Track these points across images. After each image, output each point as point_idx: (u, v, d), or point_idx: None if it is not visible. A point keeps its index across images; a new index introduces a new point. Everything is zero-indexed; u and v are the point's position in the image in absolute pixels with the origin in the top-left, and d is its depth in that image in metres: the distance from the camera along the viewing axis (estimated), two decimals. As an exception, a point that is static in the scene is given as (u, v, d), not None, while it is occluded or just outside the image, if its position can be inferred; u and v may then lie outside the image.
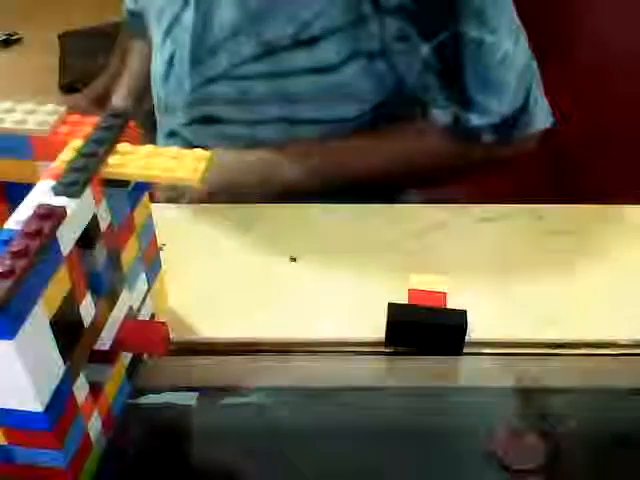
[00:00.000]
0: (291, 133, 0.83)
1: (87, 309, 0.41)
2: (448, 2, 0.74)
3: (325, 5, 0.75)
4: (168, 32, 0.87)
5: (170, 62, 0.87)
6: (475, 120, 0.79)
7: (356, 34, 0.76)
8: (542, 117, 0.82)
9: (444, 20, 0.75)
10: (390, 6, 0.74)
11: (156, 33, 0.90)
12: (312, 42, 0.77)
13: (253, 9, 0.78)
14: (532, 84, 0.81)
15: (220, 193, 0.77)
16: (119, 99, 1.01)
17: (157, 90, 0.91)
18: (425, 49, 0.76)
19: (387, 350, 0.53)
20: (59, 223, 0.36)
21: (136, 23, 1.04)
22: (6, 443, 0.39)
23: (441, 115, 0.80)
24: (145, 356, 0.51)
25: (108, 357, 0.45)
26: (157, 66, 0.90)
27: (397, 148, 0.83)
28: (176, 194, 0.78)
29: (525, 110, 0.81)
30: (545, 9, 1.01)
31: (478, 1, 0.75)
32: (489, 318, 0.54)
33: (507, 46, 0.78)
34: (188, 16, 0.83)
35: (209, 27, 0.81)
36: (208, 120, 0.85)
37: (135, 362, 0.49)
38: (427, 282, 0.54)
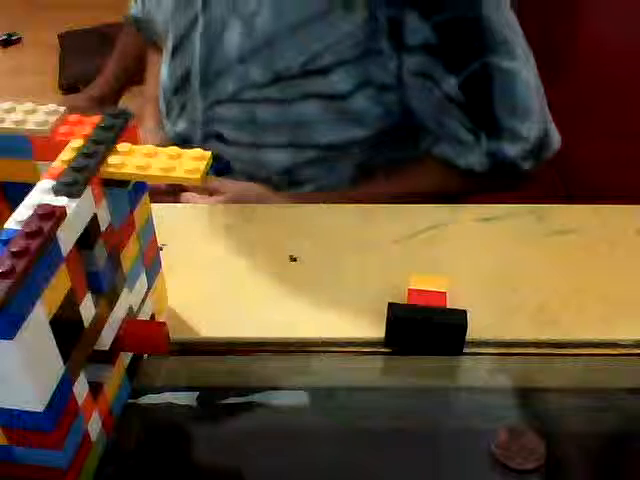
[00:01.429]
0: (297, 157, 0.83)
1: (87, 309, 0.41)
2: (476, 35, 0.75)
3: (338, 38, 0.75)
4: (177, 48, 0.87)
5: (182, 79, 0.87)
6: (510, 150, 0.79)
7: (368, 66, 0.76)
8: (557, 135, 0.83)
9: (471, 53, 0.75)
10: (414, 44, 0.74)
11: (165, 45, 0.91)
12: (322, 72, 0.77)
13: (262, 37, 0.78)
14: (545, 104, 0.82)
15: None
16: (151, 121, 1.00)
17: (167, 99, 0.91)
18: (449, 83, 0.76)
19: (387, 350, 0.53)
20: (59, 223, 0.36)
21: (142, 29, 1.04)
22: (6, 443, 0.39)
23: (476, 162, 0.79)
24: (145, 356, 0.51)
25: (108, 357, 0.45)
26: (166, 78, 0.90)
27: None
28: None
29: (547, 130, 0.81)
30: (545, 19, 1.02)
31: (505, 31, 0.76)
32: (489, 318, 0.54)
33: (526, 70, 0.78)
34: (196, 37, 0.83)
35: (217, 50, 0.81)
36: (218, 139, 0.85)
37: (135, 362, 0.49)
38: (427, 282, 0.54)
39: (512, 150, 0.79)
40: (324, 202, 0.70)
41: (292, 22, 0.76)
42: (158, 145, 0.43)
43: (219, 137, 0.85)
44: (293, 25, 0.76)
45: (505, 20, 0.77)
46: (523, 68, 0.78)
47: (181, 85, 0.87)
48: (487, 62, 0.75)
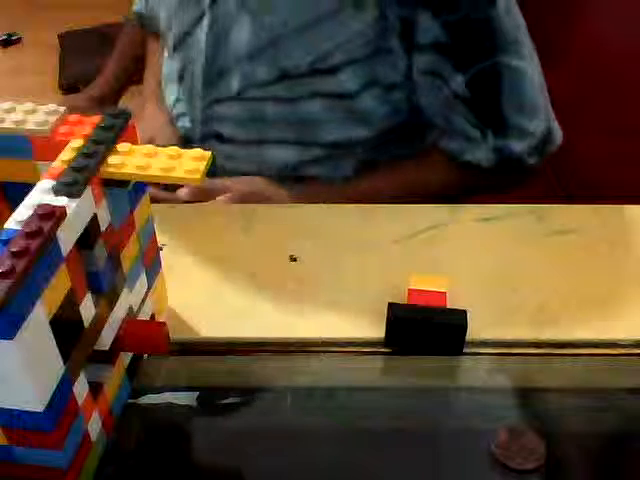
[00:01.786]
0: (301, 155, 0.83)
1: (87, 309, 0.41)
2: (488, 35, 0.75)
3: (348, 37, 0.75)
4: (178, 44, 0.87)
5: (181, 75, 0.87)
6: (517, 147, 0.79)
7: (377, 66, 0.77)
8: (559, 130, 0.83)
9: (482, 52, 0.76)
10: (425, 43, 0.74)
11: (166, 40, 0.91)
12: (331, 71, 0.77)
13: (272, 35, 0.78)
14: (548, 100, 0.82)
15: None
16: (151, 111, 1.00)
17: (170, 95, 0.91)
18: (457, 81, 0.76)
19: (387, 350, 0.53)
20: (59, 223, 0.36)
21: (145, 25, 1.04)
22: (6, 443, 0.39)
23: (483, 158, 0.80)
24: (145, 356, 0.51)
25: (108, 357, 0.45)
26: (167, 74, 0.90)
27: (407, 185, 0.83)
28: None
29: (551, 126, 0.82)
30: (542, 15, 1.02)
31: (514, 30, 0.76)
32: (489, 318, 0.54)
33: (532, 68, 0.79)
34: (201, 33, 0.83)
35: (223, 48, 0.81)
36: (217, 138, 0.85)
37: (135, 362, 0.49)
38: (427, 282, 0.54)
39: (519, 146, 0.79)
40: (325, 200, 0.70)
41: (302, 21, 0.76)
42: (159, 146, 0.43)
43: (218, 136, 0.85)
44: (303, 24, 0.76)
45: (514, 19, 0.77)
46: (529, 66, 0.78)
47: (180, 83, 0.87)
48: (497, 61, 0.76)
